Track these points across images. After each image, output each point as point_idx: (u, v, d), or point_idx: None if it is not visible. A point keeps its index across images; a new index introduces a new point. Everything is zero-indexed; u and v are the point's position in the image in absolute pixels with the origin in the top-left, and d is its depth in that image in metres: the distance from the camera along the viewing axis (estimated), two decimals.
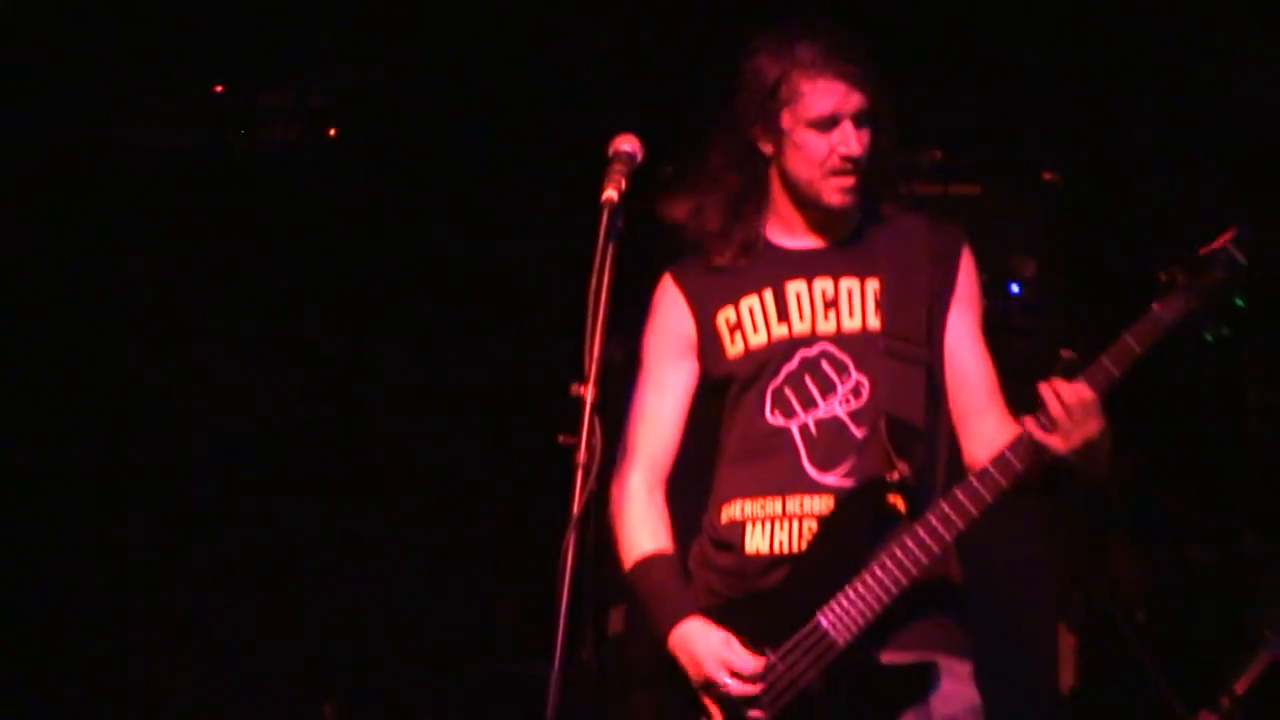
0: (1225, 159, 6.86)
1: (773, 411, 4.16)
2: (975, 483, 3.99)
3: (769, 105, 4.19)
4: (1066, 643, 6.22)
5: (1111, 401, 3.93)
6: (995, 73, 6.64)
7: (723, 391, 4.26)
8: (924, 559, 4.00)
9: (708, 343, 4.28)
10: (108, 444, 7.03)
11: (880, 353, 4.13)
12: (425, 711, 7.03)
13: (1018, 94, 6.67)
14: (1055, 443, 3.93)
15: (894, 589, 4.01)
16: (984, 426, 4.15)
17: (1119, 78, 6.79)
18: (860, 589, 4.01)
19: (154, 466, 7.08)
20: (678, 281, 4.34)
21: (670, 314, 4.33)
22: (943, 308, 4.20)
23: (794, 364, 4.17)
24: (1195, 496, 7.24)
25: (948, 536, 4.01)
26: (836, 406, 4.12)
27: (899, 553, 4.01)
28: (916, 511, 4.05)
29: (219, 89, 6.96)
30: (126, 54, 6.79)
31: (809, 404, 4.14)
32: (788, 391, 4.16)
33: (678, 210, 4.34)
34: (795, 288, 4.20)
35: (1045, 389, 3.93)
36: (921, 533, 4.01)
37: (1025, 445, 3.98)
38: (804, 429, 4.13)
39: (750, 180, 4.27)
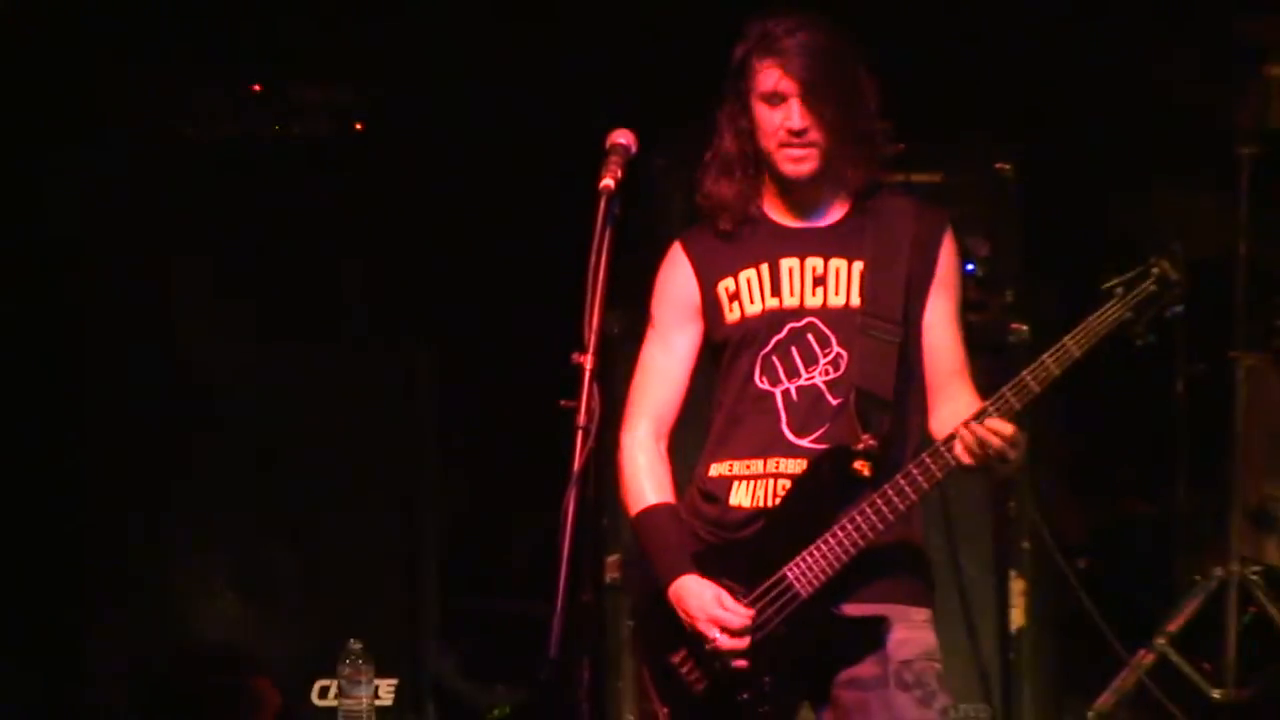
0: (1165, 154, 7.14)
1: (761, 377, 4.36)
2: (914, 470, 4.20)
3: (739, 84, 4.37)
4: (1016, 588, 6.33)
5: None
6: (956, 69, 6.94)
7: (719, 355, 4.45)
8: (879, 524, 4.19)
9: (709, 308, 4.44)
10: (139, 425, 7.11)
11: (858, 329, 4.31)
12: (436, 647, 7.16)
13: (976, 90, 6.95)
14: (970, 463, 4.17)
15: (854, 548, 4.20)
16: (949, 407, 4.34)
17: (1070, 77, 7.10)
18: (824, 546, 4.21)
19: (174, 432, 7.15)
20: (686, 249, 4.50)
21: (678, 279, 4.49)
22: (921, 291, 4.37)
23: (783, 334, 4.35)
24: (1132, 455, 7.49)
25: (901, 506, 4.19)
26: (817, 376, 4.33)
27: (858, 517, 4.20)
28: (881, 479, 4.22)
29: (256, 87, 7.07)
30: (175, 51, 6.96)
31: (793, 372, 4.34)
32: (775, 359, 4.35)
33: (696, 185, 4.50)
34: (789, 264, 4.38)
35: (964, 433, 4.14)
36: (879, 501, 4.20)
37: (948, 454, 4.19)
38: (786, 394, 4.34)
39: (743, 154, 4.41)
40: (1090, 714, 6.75)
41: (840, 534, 4.23)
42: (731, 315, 4.43)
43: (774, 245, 4.43)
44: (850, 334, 4.34)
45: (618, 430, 4.50)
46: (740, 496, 4.37)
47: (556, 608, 3.84)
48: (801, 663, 4.30)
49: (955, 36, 6.99)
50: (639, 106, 4.76)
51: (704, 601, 4.28)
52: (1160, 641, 6.69)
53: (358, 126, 7.17)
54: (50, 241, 7.17)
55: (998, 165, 6.48)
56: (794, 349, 4.38)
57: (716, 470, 4.42)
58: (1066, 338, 4.13)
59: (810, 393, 4.35)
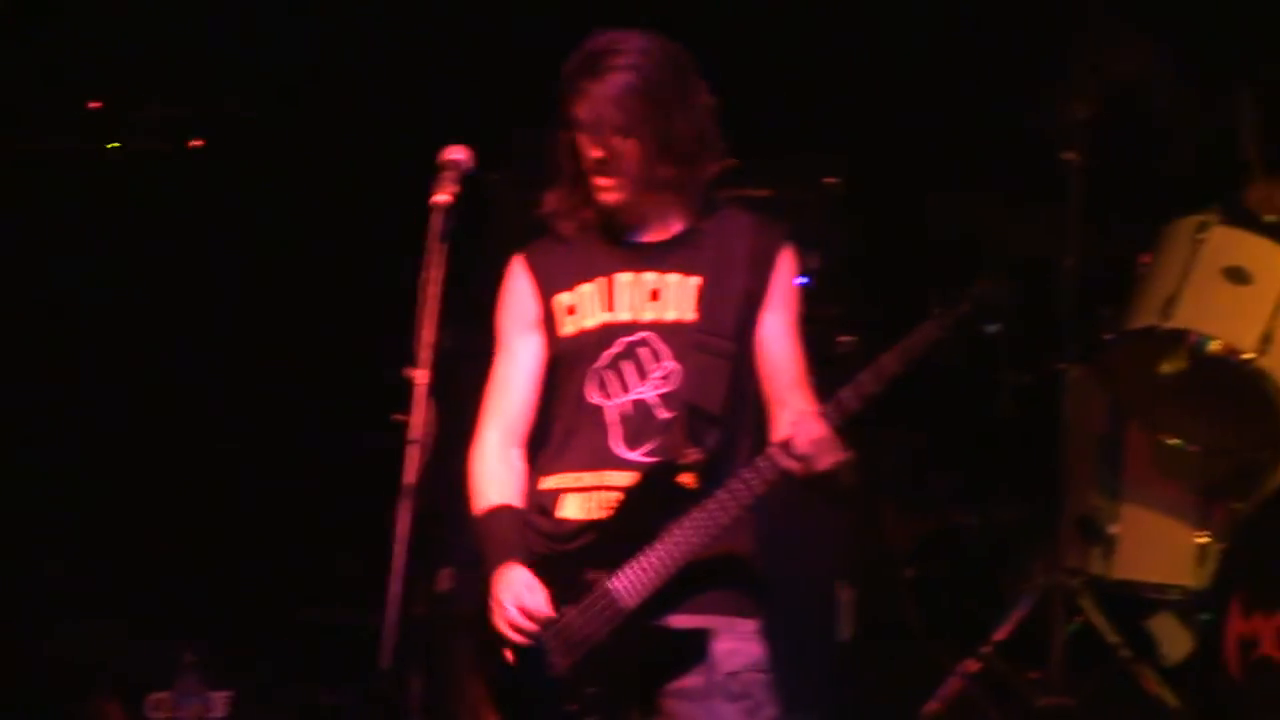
0: (990, 164, 7.23)
1: (593, 391, 4.39)
2: (736, 483, 4.24)
3: (564, 105, 4.40)
4: (845, 597, 6.41)
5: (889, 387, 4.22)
6: (787, 87, 7.06)
7: (555, 368, 4.48)
8: (704, 536, 4.23)
9: (548, 320, 4.47)
10: None
11: (692, 345, 4.35)
12: (266, 656, 7.12)
13: (805, 107, 7.07)
14: (795, 468, 4.21)
15: (679, 560, 4.24)
16: (789, 417, 4.32)
17: (895, 92, 7.23)
18: (650, 557, 4.24)
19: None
20: (526, 262, 4.53)
21: (518, 291, 4.52)
22: (755, 306, 4.41)
23: (615, 348, 4.39)
24: (959, 465, 7.57)
25: (724, 518, 4.23)
26: (649, 390, 4.37)
27: (679, 530, 4.24)
28: (707, 492, 4.26)
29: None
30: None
31: (625, 386, 4.38)
32: (607, 373, 4.38)
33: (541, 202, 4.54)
34: (624, 279, 4.43)
35: (774, 447, 4.22)
36: (702, 513, 4.24)
37: (770, 465, 4.24)
38: (618, 408, 4.37)
39: (575, 169, 4.44)
40: None
41: (666, 545, 4.26)
42: (565, 329, 4.47)
43: (611, 260, 4.47)
44: (685, 349, 4.38)
45: (459, 445, 4.52)
46: (570, 509, 4.40)
47: (388, 619, 3.91)
48: (629, 674, 4.32)
49: (787, 51, 7.12)
50: (480, 122, 4.85)
51: (514, 584, 4.30)
52: (986, 650, 6.69)
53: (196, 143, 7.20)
54: None
55: (826, 180, 6.60)
56: (627, 363, 4.42)
57: (547, 484, 4.45)
58: (883, 356, 4.21)
59: (641, 407, 4.38)
